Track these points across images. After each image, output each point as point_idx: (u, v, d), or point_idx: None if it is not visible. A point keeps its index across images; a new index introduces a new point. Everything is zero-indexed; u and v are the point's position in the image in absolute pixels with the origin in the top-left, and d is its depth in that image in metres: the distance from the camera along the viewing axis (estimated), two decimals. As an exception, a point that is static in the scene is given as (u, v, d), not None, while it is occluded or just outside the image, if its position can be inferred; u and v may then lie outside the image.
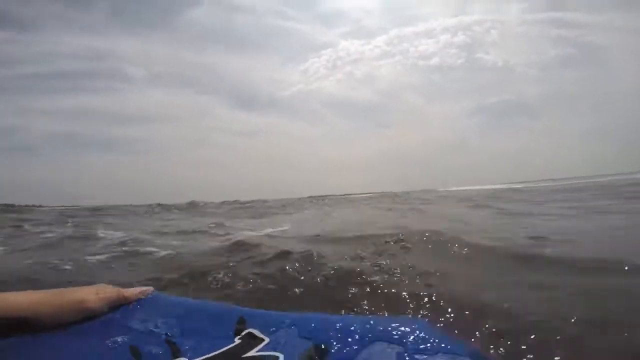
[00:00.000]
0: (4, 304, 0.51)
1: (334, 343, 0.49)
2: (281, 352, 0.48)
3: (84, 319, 0.54)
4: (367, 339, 0.49)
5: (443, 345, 0.48)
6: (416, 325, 0.51)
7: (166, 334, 0.53)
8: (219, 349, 0.50)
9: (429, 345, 0.48)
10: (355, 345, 0.48)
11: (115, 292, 0.58)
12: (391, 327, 0.51)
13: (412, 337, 0.49)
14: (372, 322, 0.53)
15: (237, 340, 0.52)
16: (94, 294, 0.56)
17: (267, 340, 0.51)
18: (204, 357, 0.49)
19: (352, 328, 0.52)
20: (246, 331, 0.53)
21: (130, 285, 0.67)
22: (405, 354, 0.47)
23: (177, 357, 0.49)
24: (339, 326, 0.52)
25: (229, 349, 0.50)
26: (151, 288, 0.62)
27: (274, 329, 0.54)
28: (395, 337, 0.49)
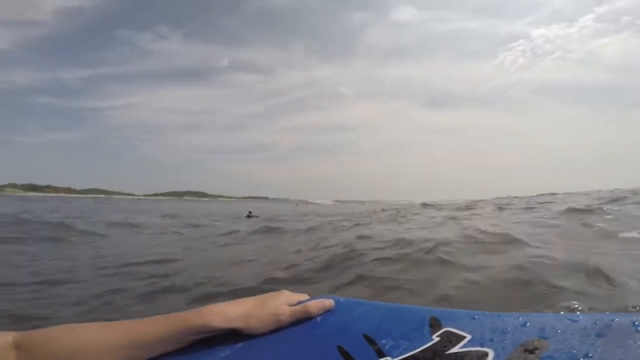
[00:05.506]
0: (223, 317, 0.58)
1: (548, 341, 0.44)
2: (490, 347, 0.45)
3: (276, 329, 0.60)
4: (592, 337, 0.43)
5: None
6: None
7: (366, 335, 0.55)
8: (418, 348, 0.49)
9: None
10: (577, 344, 0.42)
11: (301, 308, 0.62)
12: (621, 324, 0.44)
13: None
14: (593, 319, 0.46)
15: (435, 338, 0.50)
16: (286, 307, 0.62)
17: (469, 337, 0.48)
18: (406, 354, 0.48)
19: (569, 325, 0.46)
20: (444, 329, 0.52)
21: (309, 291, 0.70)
22: None
23: (382, 356, 0.49)
24: (554, 323, 0.47)
25: (430, 346, 0.48)
26: (331, 301, 0.65)
27: (474, 326, 0.51)
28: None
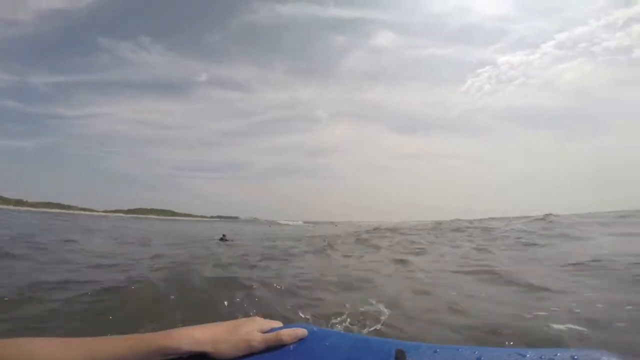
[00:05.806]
0: (192, 340, 0.57)
1: None
2: None
3: (247, 356, 0.60)
4: None
5: None
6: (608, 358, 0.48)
7: None
8: None
9: None
10: None
11: (274, 336, 0.62)
12: (562, 358, 0.48)
13: None
14: (539, 354, 0.51)
15: None
16: (258, 334, 0.62)
17: None
18: None
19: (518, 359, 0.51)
20: None
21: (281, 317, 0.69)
22: None
23: None
24: (505, 358, 0.51)
25: None
26: (304, 330, 0.65)
27: (436, 358, 0.55)
28: None
